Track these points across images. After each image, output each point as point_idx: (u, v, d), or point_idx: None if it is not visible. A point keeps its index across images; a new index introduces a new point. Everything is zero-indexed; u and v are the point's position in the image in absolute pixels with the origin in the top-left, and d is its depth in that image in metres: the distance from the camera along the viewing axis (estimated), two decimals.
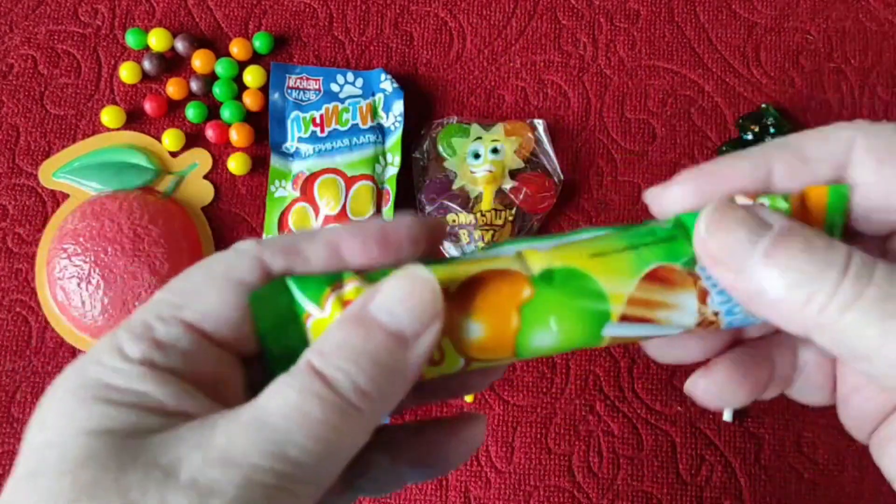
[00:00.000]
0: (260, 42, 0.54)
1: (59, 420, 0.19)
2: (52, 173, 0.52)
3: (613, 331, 0.22)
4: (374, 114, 0.53)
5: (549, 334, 0.21)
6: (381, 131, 0.53)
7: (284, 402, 0.18)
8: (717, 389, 0.25)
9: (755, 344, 0.25)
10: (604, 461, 0.49)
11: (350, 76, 0.53)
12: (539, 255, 0.22)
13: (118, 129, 0.53)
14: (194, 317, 0.20)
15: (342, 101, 0.53)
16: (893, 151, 0.21)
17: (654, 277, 0.22)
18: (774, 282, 0.20)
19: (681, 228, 0.22)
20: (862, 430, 0.25)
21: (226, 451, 0.18)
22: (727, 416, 0.49)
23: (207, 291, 0.21)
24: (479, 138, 0.52)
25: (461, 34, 0.55)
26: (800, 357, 0.25)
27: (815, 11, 0.56)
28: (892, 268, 0.19)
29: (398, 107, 0.52)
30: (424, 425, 0.25)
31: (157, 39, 0.53)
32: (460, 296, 0.21)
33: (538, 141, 0.52)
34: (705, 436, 0.49)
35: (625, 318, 0.22)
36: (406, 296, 0.20)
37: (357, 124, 0.52)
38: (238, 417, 0.18)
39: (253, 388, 0.21)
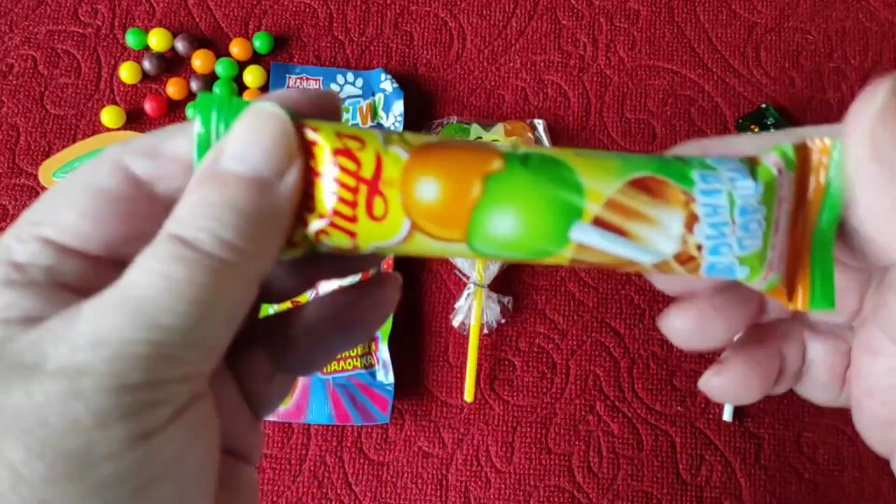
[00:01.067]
0: (260, 42, 0.54)
1: None
2: (53, 173, 0.52)
3: (582, 235, 0.19)
4: (375, 114, 0.53)
5: (510, 218, 0.19)
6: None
7: (148, 273, 0.18)
8: (730, 386, 0.24)
9: (764, 337, 0.25)
10: (604, 461, 0.49)
11: (350, 76, 0.53)
12: (522, 147, 0.20)
13: (118, 130, 0.53)
14: (52, 232, 0.20)
15: (342, 101, 0.53)
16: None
17: (640, 185, 0.19)
18: None
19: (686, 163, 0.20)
20: (877, 437, 0.24)
21: (94, 333, 0.17)
22: (727, 416, 0.49)
23: (64, 204, 0.20)
24: (479, 138, 0.52)
25: (461, 34, 0.55)
26: (808, 353, 0.25)
27: (816, 11, 0.56)
28: None
29: (398, 107, 0.52)
30: (338, 291, 0.24)
31: (158, 39, 0.53)
32: (422, 153, 0.19)
33: (538, 141, 0.52)
34: (705, 436, 0.49)
35: (598, 222, 0.19)
36: (255, 136, 0.19)
37: (357, 124, 0.52)
38: (102, 300, 0.18)
39: None
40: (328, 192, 0.19)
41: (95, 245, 0.20)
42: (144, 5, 0.56)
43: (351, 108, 0.53)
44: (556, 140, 0.53)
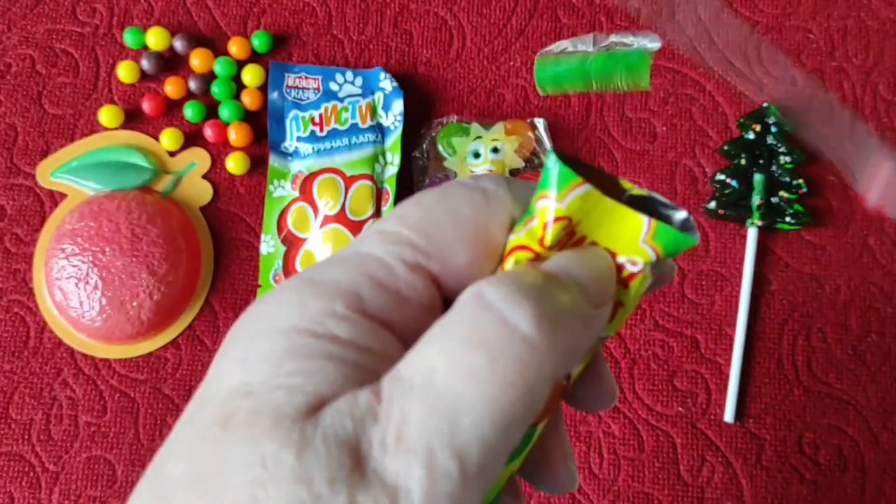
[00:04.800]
0: (259, 41, 0.54)
1: (263, 367, 0.16)
2: (50, 173, 0.52)
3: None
4: (374, 113, 0.53)
5: None
6: (380, 131, 0.52)
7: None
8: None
9: None
10: (604, 462, 0.48)
11: (349, 75, 0.53)
12: None
13: (116, 129, 0.53)
14: (439, 270, 0.18)
15: (341, 100, 0.53)
16: None
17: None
18: None
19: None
20: None
21: (399, 429, 0.15)
22: (728, 417, 0.48)
23: (458, 246, 0.18)
24: (479, 137, 0.52)
25: (461, 33, 0.55)
26: None
27: (817, 10, 0.55)
28: None
29: (398, 106, 0.52)
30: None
31: (156, 38, 0.53)
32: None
33: (539, 140, 0.52)
34: (706, 437, 0.49)
35: None
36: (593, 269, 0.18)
37: (356, 124, 0.52)
38: (401, 376, 0.16)
39: None
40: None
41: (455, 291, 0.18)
42: (143, 4, 0.55)
43: (350, 107, 0.52)
44: (556, 139, 0.53)
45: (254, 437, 0.15)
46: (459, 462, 0.15)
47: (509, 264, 0.18)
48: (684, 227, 0.19)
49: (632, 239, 0.18)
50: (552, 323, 0.16)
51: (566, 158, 0.18)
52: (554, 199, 0.18)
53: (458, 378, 0.15)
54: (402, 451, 0.15)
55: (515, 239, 0.18)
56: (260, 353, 0.16)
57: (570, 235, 0.18)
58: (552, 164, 0.18)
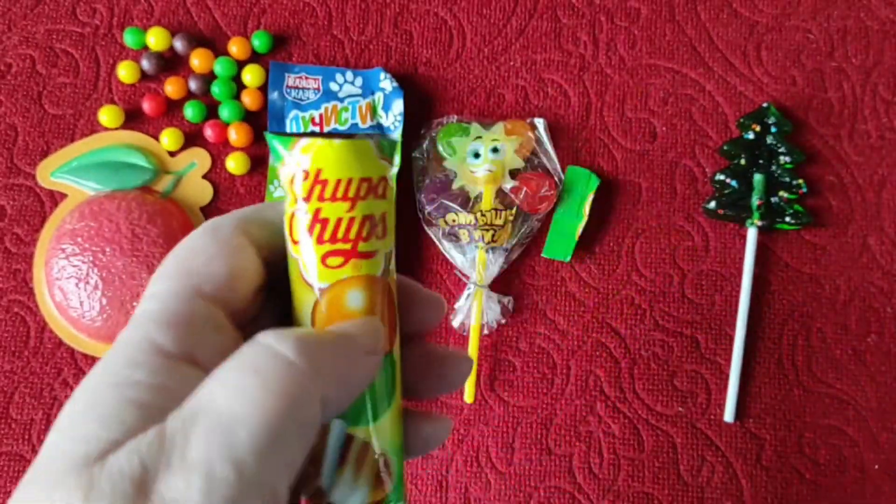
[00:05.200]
0: (259, 41, 0.54)
1: (66, 419, 0.19)
2: (51, 173, 0.52)
3: None
4: (374, 113, 0.53)
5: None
6: (380, 131, 0.53)
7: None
8: None
9: None
10: (604, 462, 0.48)
11: (349, 75, 0.53)
12: None
13: (116, 129, 0.53)
14: (211, 290, 0.21)
15: (341, 100, 0.53)
16: None
17: None
18: None
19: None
20: None
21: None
22: (728, 417, 0.48)
23: (217, 260, 0.21)
24: (479, 137, 0.52)
25: (461, 33, 0.55)
26: None
27: (817, 10, 0.55)
28: None
29: (397, 106, 0.52)
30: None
31: (156, 39, 0.53)
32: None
33: (538, 140, 0.52)
34: (706, 436, 0.49)
35: None
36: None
37: (356, 124, 0.52)
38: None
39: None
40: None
41: (237, 300, 0.22)
42: (143, 4, 0.55)
43: (350, 107, 0.52)
44: (556, 139, 0.53)
45: (47, 487, 0.17)
46: (237, 469, 0.17)
47: (305, 245, 0.22)
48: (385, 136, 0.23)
49: (369, 160, 0.22)
50: (313, 352, 0.19)
51: (282, 133, 0.22)
52: (288, 164, 0.22)
53: (234, 398, 0.18)
54: (184, 468, 0.17)
55: (288, 213, 0.22)
56: (69, 412, 0.19)
57: (323, 185, 0.21)
58: (268, 140, 0.22)
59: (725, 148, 0.52)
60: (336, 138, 0.22)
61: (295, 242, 0.22)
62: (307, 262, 0.22)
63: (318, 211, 0.21)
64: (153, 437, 0.18)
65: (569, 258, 0.50)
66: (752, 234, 0.50)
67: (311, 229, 0.22)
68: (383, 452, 0.22)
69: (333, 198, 0.21)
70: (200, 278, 0.21)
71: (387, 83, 0.53)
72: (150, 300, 0.21)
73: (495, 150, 0.51)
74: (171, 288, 0.21)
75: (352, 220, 0.22)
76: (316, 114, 0.52)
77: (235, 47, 0.54)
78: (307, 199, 0.21)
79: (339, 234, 0.22)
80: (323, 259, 0.22)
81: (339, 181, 0.21)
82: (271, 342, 0.19)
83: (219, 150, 0.53)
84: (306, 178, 0.21)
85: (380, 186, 0.22)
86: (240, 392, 0.18)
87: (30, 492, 0.18)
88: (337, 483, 0.21)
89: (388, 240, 0.23)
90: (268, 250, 0.23)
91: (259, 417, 0.18)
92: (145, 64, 0.53)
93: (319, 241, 0.22)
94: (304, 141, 0.21)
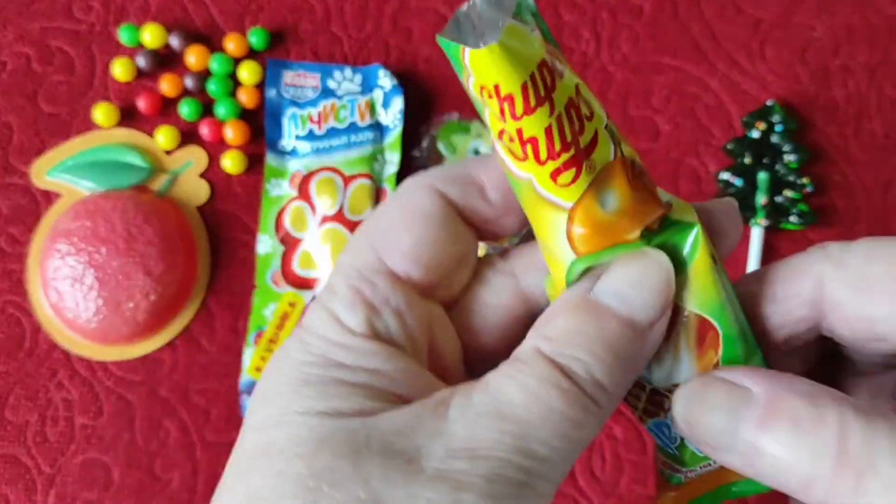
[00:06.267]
0: (256, 38, 0.53)
1: (283, 398, 0.18)
2: (45, 172, 0.51)
3: None
4: (373, 111, 0.52)
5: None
6: (379, 129, 0.52)
7: (524, 393, 0.17)
8: None
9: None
10: (607, 465, 0.48)
11: (348, 72, 0.52)
12: None
13: (112, 127, 0.52)
14: (398, 265, 0.20)
15: (340, 98, 0.52)
16: (865, 279, 0.19)
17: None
18: (766, 461, 0.18)
19: None
20: None
21: (469, 441, 0.17)
22: None
23: (402, 234, 0.20)
24: (480, 136, 0.51)
25: None
26: None
27: (822, 7, 0.55)
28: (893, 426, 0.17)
29: (397, 104, 0.52)
30: None
31: (151, 35, 0.53)
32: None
33: None
34: None
35: None
36: (642, 281, 0.19)
37: (355, 122, 0.52)
38: (473, 405, 0.17)
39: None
40: None
41: (425, 273, 0.20)
42: (138, 1, 0.55)
43: (349, 105, 0.52)
44: None
45: (302, 455, 0.17)
46: (525, 474, 0.17)
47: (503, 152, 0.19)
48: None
49: (528, 42, 0.18)
50: (617, 374, 0.18)
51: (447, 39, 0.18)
52: (472, 76, 0.18)
53: (535, 412, 0.17)
54: (468, 457, 0.17)
55: (495, 131, 0.19)
56: (274, 388, 0.18)
57: (510, 101, 0.18)
58: (442, 46, 0.19)
59: (729, 146, 0.51)
60: (481, 36, 0.18)
61: (519, 159, 0.19)
62: (540, 181, 0.19)
63: (520, 132, 0.18)
64: (432, 417, 0.17)
65: None
66: (756, 234, 0.50)
67: (524, 156, 0.19)
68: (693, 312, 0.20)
69: (527, 110, 0.18)
70: (383, 252, 0.20)
71: (386, 80, 0.52)
72: (335, 275, 0.20)
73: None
74: (354, 263, 0.20)
75: (559, 118, 0.19)
76: (314, 112, 0.52)
77: (232, 44, 0.53)
78: (503, 119, 0.18)
79: (557, 147, 0.19)
80: (553, 177, 0.19)
81: (524, 86, 0.18)
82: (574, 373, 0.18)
83: (215, 149, 0.52)
84: (491, 96, 0.18)
85: (556, 62, 0.19)
86: (543, 406, 0.17)
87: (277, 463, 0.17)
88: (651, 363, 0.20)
89: (597, 113, 0.20)
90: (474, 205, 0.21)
91: (557, 438, 0.17)
92: (141, 61, 0.53)
93: (540, 161, 0.19)
94: (467, 51, 0.18)
